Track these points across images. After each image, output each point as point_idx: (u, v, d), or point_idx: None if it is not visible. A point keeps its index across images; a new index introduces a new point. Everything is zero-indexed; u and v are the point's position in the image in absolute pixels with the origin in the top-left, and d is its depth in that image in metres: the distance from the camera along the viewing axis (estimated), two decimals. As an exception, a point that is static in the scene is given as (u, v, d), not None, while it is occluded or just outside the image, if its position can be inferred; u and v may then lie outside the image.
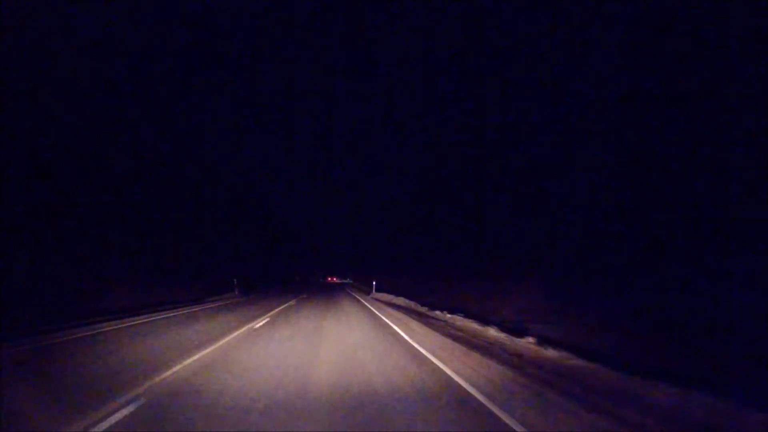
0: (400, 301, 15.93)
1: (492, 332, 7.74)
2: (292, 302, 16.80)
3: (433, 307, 12.01)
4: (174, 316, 10.99)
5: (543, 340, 6.30)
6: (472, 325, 8.69)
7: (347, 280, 66.73)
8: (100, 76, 12.24)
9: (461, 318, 9.68)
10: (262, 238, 39.87)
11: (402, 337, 7.97)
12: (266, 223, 42.03)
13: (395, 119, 27.48)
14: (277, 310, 13.19)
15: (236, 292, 19.62)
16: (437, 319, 10.64)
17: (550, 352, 5.79)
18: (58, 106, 10.65)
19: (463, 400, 3.97)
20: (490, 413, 3.58)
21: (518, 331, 7.27)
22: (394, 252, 30.04)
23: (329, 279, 77.63)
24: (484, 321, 8.73)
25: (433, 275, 18.45)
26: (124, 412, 3.52)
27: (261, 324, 9.53)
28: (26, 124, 9.73)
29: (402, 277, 23.68)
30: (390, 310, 13.77)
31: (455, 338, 7.69)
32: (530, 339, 6.53)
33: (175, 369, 4.95)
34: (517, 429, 3.22)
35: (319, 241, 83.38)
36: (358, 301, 18.91)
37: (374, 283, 22.55)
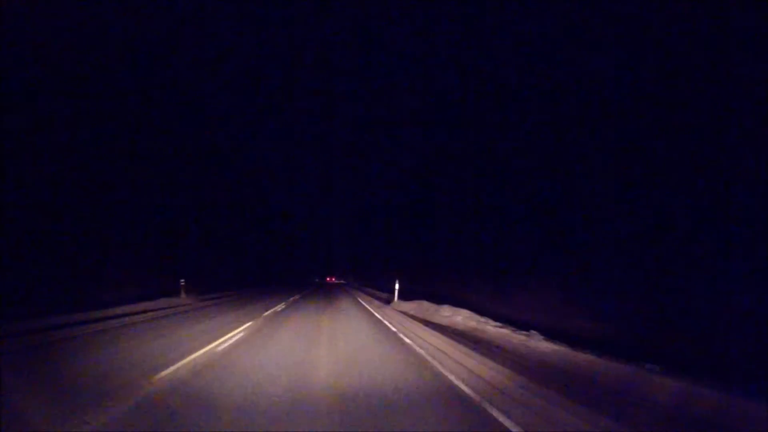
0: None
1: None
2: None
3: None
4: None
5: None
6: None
7: (350, 281, 65.04)
8: (100, 72, 12.19)
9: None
10: (261, 237, 39.63)
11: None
12: (265, 222, 41.66)
13: (395, 119, 27.01)
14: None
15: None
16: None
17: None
18: (57, 103, 10.63)
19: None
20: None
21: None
22: (394, 253, 29.68)
23: (328, 279, 76.37)
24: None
25: (431, 275, 18.37)
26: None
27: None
28: (26, 120, 9.75)
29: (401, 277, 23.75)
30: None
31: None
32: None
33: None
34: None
35: (318, 241, 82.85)
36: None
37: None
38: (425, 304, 11.70)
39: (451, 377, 4.50)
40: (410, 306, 12.21)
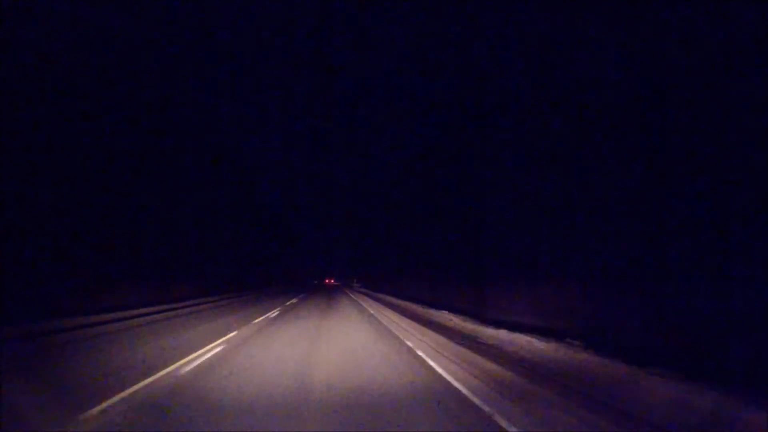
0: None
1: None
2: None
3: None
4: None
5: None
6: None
7: (350, 282, 62.66)
8: (99, 71, 11.92)
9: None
10: (260, 238, 38.63)
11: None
12: (263, 223, 40.72)
13: (394, 119, 26.53)
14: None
15: None
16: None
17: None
18: (56, 101, 10.29)
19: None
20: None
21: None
22: (394, 255, 29.20)
23: (327, 281, 75.51)
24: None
25: (428, 277, 17.48)
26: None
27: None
28: (24, 120, 9.44)
29: (401, 280, 22.88)
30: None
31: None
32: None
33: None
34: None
35: (318, 242, 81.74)
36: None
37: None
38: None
39: None
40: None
